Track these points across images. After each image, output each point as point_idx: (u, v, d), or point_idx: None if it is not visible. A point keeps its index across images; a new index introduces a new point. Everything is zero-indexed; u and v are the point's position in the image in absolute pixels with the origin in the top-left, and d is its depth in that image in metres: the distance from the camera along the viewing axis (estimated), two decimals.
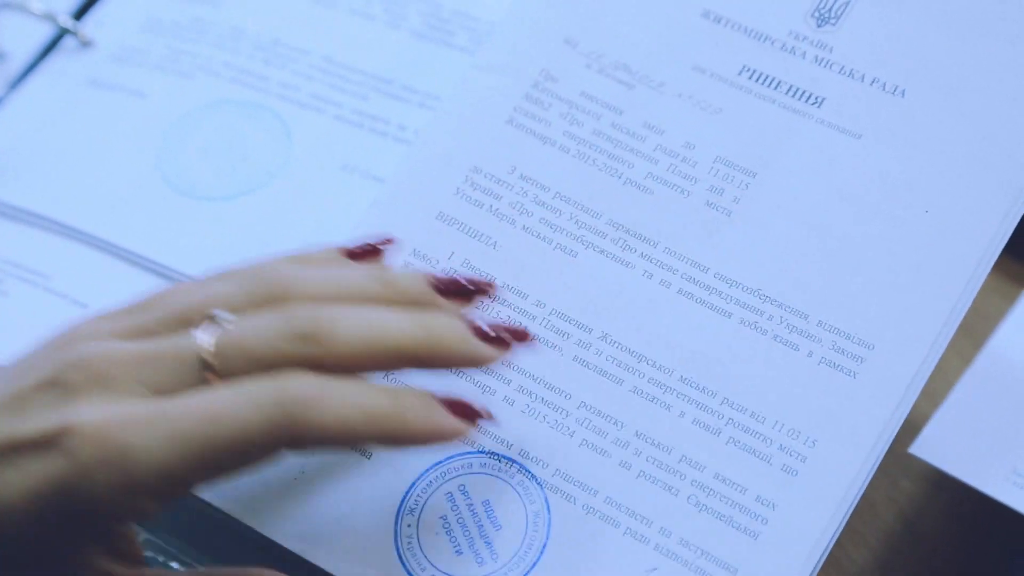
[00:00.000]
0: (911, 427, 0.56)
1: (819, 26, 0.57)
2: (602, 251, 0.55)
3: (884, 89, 0.55)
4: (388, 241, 0.53)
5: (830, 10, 0.57)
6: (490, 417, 0.49)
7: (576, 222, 0.55)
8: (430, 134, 0.58)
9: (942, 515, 0.60)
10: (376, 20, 0.67)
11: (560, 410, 0.52)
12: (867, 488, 0.50)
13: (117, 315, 0.49)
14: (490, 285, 0.51)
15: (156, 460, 0.44)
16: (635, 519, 0.51)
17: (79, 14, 0.70)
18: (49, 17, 0.69)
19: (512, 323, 0.52)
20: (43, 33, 0.69)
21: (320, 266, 0.51)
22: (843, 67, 0.56)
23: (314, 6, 0.68)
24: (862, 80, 0.56)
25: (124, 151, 0.64)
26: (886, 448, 0.51)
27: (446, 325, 0.48)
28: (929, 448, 0.56)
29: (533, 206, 0.56)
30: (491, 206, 0.56)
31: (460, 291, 0.51)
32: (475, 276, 0.53)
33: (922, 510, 0.60)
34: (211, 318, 0.47)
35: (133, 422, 0.44)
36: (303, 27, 0.67)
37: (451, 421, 0.47)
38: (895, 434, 0.51)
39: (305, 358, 0.46)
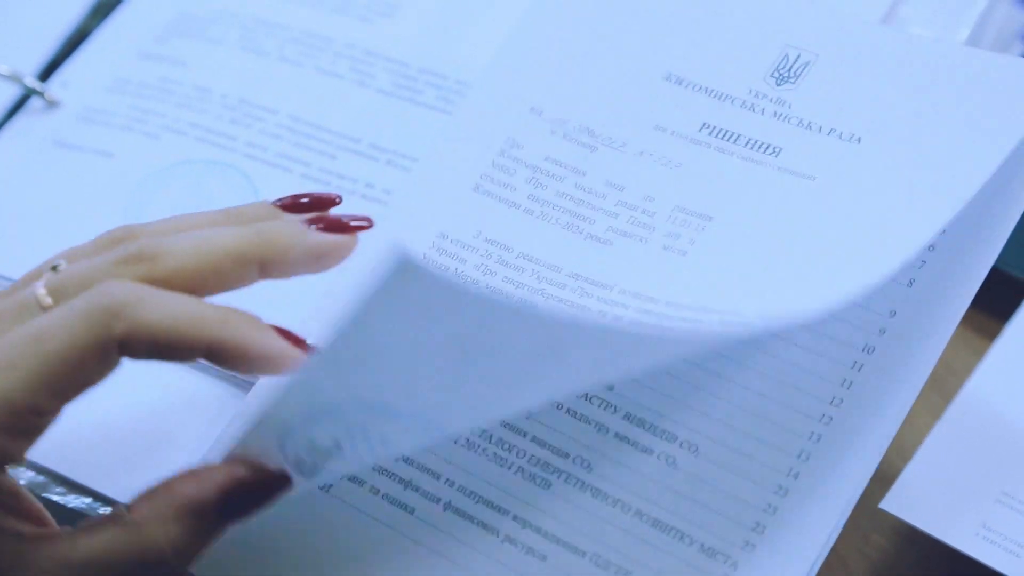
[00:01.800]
0: (882, 482, 0.56)
1: (778, 84, 0.57)
2: (560, 301, 0.55)
3: (841, 138, 0.55)
4: (327, 199, 0.52)
5: (789, 70, 0.57)
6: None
7: (537, 277, 0.55)
8: (399, 201, 0.59)
9: (913, 570, 0.60)
10: (343, 79, 0.67)
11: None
12: (838, 543, 0.50)
13: None
14: (332, 198, 0.52)
15: None
16: None
17: (45, 75, 0.70)
18: (14, 78, 0.69)
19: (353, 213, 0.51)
20: (8, 94, 0.69)
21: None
22: (801, 120, 0.56)
23: (281, 65, 0.68)
24: (819, 131, 0.56)
25: (91, 211, 0.64)
26: (854, 503, 0.51)
27: (281, 226, 0.49)
28: (900, 503, 0.55)
29: (497, 267, 0.56)
30: (456, 269, 0.56)
31: (301, 207, 0.51)
32: (320, 192, 0.52)
33: (893, 565, 0.60)
34: (52, 268, 0.48)
35: None
36: (270, 86, 0.67)
37: (279, 342, 0.46)
38: (863, 489, 0.51)
39: (136, 278, 0.47)
